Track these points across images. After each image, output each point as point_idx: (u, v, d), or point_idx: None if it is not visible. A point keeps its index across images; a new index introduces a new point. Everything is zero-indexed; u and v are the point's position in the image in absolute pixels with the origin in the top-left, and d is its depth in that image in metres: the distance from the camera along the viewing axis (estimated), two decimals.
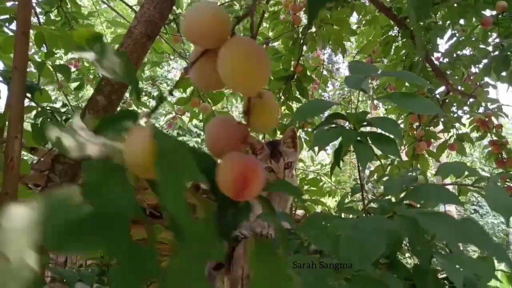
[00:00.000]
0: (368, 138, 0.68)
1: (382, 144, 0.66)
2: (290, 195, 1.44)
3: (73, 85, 2.86)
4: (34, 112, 1.22)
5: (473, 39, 2.13)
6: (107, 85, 1.29)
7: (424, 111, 0.66)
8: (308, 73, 2.17)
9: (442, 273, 0.83)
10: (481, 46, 2.26)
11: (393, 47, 2.16)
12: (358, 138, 0.69)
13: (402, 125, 2.44)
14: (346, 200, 1.19)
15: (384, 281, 0.63)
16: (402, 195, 0.61)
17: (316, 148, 0.77)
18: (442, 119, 2.48)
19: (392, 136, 0.68)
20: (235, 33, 0.41)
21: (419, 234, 0.54)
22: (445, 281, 0.84)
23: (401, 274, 0.80)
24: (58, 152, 1.28)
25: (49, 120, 1.19)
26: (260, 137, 2.58)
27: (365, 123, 0.73)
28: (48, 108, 1.22)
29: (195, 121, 2.97)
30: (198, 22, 0.39)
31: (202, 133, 9.44)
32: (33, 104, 1.22)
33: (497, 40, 2.18)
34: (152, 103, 9.30)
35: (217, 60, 0.39)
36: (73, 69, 3.15)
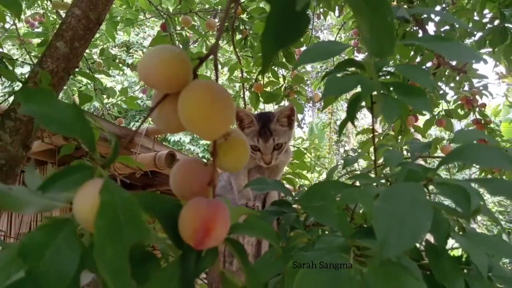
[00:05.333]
0: (392, 89, 0.55)
1: (410, 96, 0.53)
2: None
3: (36, 40, 2.59)
4: None
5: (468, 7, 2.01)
6: (68, 30, 1.10)
7: (460, 57, 0.52)
8: None
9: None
10: (476, 18, 2.16)
11: None
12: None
13: None
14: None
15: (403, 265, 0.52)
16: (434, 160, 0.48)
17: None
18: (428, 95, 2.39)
19: (421, 87, 0.55)
20: (197, 75, 0.40)
21: (468, 207, 0.42)
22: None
23: (411, 255, 0.69)
24: (9, 106, 1.10)
25: None
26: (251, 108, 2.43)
27: (384, 72, 0.60)
28: None
29: None
30: (156, 67, 0.37)
31: None
32: None
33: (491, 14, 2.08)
34: (126, 71, 8.90)
35: (177, 105, 0.37)
36: (36, 24, 2.87)
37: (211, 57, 0.41)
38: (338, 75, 0.57)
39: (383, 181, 0.56)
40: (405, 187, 0.41)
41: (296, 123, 1.31)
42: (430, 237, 0.70)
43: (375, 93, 0.62)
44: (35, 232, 0.28)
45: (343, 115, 12.80)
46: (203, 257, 0.38)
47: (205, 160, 0.45)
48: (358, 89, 0.79)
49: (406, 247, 0.36)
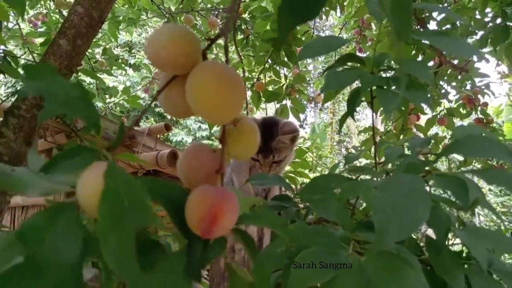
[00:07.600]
0: (391, 83, 0.55)
1: (409, 90, 0.54)
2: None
3: (39, 40, 2.60)
4: None
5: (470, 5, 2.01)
6: (71, 28, 1.11)
7: (458, 52, 0.53)
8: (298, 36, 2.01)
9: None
10: (477, 16, 2.16)
11: None
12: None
13: None
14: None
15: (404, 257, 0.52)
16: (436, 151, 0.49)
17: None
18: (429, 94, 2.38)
19: (420, 81, 0.56)
20: (206, 57, 0.39)
21: (465, 197, 0.42)
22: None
23: (411, 250, 0.69)
24: (13, 103, 1.10)
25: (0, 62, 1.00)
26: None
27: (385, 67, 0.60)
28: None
29: None
30: (163, 47, 0.36)
31: None
32: None
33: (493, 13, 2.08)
34: (129, 71, 8.92)
35: (185, 88, 0.36)
36: (39, 23, 2.89)
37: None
38: (338, 69, 0.58)
39: (383, 175, 0.56)
40: (403, 178, 0.42)
41: (298, 123, 1.32)
42: (431, 233, 0.70)
43: (375, 88, 0.63)
44: (36, 216, 0.26)
45: None
46: (210, 246, 0.36)
47: (213, 147, 0.43)
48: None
49: (405, 235, 0.36)
